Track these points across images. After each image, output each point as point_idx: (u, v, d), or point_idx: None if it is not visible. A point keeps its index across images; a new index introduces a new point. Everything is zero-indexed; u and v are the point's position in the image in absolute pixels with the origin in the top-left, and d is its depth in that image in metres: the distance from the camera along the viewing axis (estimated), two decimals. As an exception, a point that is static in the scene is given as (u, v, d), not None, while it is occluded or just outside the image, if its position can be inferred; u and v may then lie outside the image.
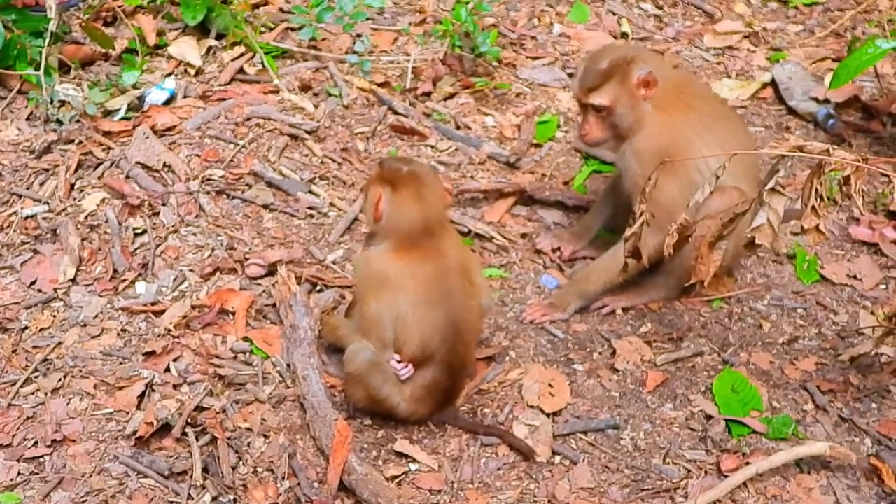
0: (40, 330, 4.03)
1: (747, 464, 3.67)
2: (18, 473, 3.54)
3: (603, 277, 4.20)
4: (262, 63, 5.36)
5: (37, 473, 3.55)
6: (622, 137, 4.14)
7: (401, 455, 3.71)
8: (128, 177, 4.64)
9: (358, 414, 3.81)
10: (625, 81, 4.06)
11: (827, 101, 5.43)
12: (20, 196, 4.57)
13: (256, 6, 5.78)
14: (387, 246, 3.65)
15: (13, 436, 3.65)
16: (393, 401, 3.71)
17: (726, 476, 3.64)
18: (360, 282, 3.75)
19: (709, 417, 3.87)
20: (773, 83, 5.65)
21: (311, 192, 4.67)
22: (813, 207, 3.40)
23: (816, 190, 3.39)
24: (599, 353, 4.12)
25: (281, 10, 5.82)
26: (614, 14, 6.12)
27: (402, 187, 3.62)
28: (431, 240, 3.64)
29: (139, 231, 4.42)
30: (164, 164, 4.69)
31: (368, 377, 3.68)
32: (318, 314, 4.06)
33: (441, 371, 3.68)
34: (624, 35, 5.95)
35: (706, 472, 3.69)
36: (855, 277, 4.51)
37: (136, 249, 4.36)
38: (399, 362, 3.67)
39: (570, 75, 5.46)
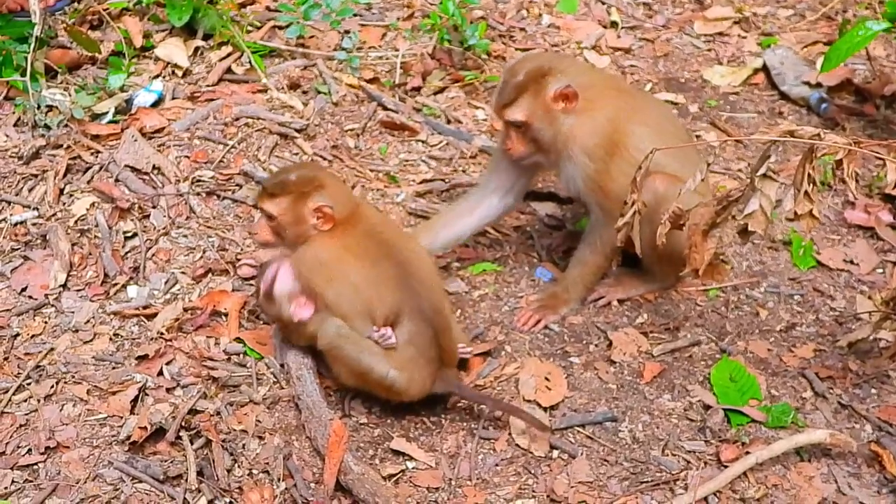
0: (32, 336, 4.01)
1: (747, 453, 3.64)
2: (12, 481, 3.51)
3: (589, 271, 4.18)
4: (250, 62, 5.33)
5: (31, 481, 3.52)
6: (546, 150, 4.05)
7: (397, 453, 3.68)
8: (117, 180, 4.61)
9: (353, 412, 3.79)
10: (539, 95, 3.96)
11: (819, 84, 5.41)
12: (9, 202, 4.54)
13: (243, 5, 5.76)
14: (314, 239, 3.74)
15: (6, 444, 3.61)
16: (381, 371, 3.65)
17: (726, 466, 3.62)
18: (309, 280, 3.74)
19: (707, 407, 3.85)
20: (764, 68, 5.63)
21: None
22: (806, 192, 3.38)
23: (809, 175, 3.37)
24: (596, 346, 4.09)
25: (268, 8, 5.79)
26: (603, 3, 6.10)
27: (326, 185, 3.78)
28: (353, 219, 3.78)
29: (130, 234, 4.39)
30: (154, 167, 4.66)
31: (342, 348, 3.67)
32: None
33: (416, 321, 3.66)
34: (613, 24, 5.92)
35: (706, 463, 3.66)
36: (851, 262, 4.49)
37: (126, 253, 4.33)
38: (377, 331, 3.66)
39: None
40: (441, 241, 4.27)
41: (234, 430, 3.67)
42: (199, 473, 3.52)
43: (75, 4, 5.59)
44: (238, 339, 4.00)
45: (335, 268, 3.70)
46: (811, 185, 3.36)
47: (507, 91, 3.98)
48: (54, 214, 4.47)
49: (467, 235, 4.34)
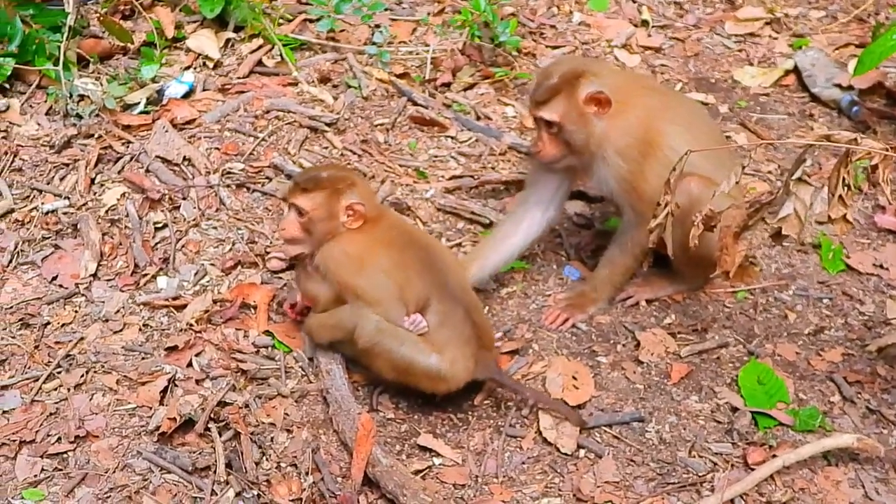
0: (62, 325, 4.03)
1: (774, 456, 3.63)
2: (42, 470, 3.54)
3: (619, 272, 4.17)
4: (281, 55, 5.34)
5: (60, 469, 3.55)
6: (578, 153, 4.04)
7: (424, 449, 3.69)
8: (148, 171, 4.63)
9: (380, 407, 3.79)
10: (572, 97, 3.95)
11: (850, 87, 5.38)
12: (41, 191, 4.57)
13: (274, -3, 5.77)
14: (341, 235, 3.78)
15: (36, 432, 3.64)
16: (423, 359, 3.66)
17: (753, 469, 3.61)
18: (336, 274, 3.75)
19: (735, 410, 3.84)
20: (795, 70, 5.60)
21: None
22: (840, 197, 3.36)
23: (843, 179, 3.35)
24: (623, 346, 4.09)
25: (299, 1, 5.80)
26: (634, 1, 6.08)
27: (358, 183, 3.84)
28: (376, 217, 3.85)
29: (160, 225, 4.41)
30: (184, 158, 4.68)
31: (383, 343, 3.67)
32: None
33: (445, 301, 3.69)
34: (644, 23, 5.91)
35: (732, 465, 3.65)
36: (881, 266, 4.46)
37: (156, 244, 4.35)
38: (408, 320, 3.69)
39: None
40: (491, 266, 4.23)
41: (263, 422, 3.69)
42: (228, 465, 3.53)
43: (108, -6, 5.62)
44: (267, 332, 4.01)
45: (364, 258, 3.72)
46: (846, 189, 3.34)
47: (541, 91, 3.98)
48: (85, 204, 4.49)
49: (516, 256, 4.29)
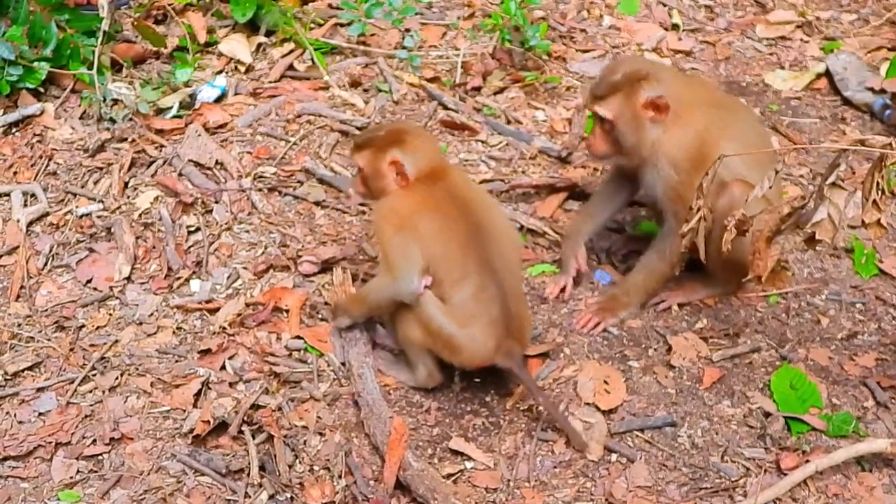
0: (97, 328, 4.06)
1: (807, 462, 3.63)
2: (78, 471, 3.58)
3: (653, 278, 4.16)
4: (312, 59, 5.36)
5: (96, 471, 3.58)
6: (628, 154, 4.04)
7: (456, 453, 3.69)
8: (180, 175, 4.66)
9: (412, 410, 3.80)
10: (630, 99, 3.94)
11: (883, 91, 5.36)
12: (75, 195, 4.60)
13: (305, 2, 5.79)
14: (393, 192, 3.82)
15: (72, 434, 3.68)
16: (445, 327, 3.69)
17: (786, 474, 3.60)
18: (379, 227, 3.82)
19: (767, 415, 3.83)
20: (827, 73, 5.58)
21: (363, 189, 4.66)
22: (874, 201, 3.35)
23: (878, 184, 3.34)
24: (655, 350, 4.08)
25: (330, 5, 5.82)
26: (665, 5, 6.06)
27: (407, 142, 3.83)
28: (435, 175, 3.82)
29: (193, 229, 4.44)
30: (217, 162, 4.70)
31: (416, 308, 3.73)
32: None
33: (482, 276, 3.67)
34: (675, 27, 5.90)
35: (765, 471, 3.65)
36: (914, 271, 4.45)
37: (189, 247, 4.37)
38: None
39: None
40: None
41: (296, 425, 3.71)
42: (261, 468, 3.56)
43: (140, -1, 5.66)
44: (298, 336, 4.03)
45: (406, 218, 3.72)
46: (880, 193, 3.33)
47: (602, 86, 3.98)
48: (119, 207, 4.52)
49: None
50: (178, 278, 4.24)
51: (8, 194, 4.59)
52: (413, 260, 3.68)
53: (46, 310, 4.13)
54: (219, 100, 5.11)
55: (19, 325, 4.07)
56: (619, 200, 4.40)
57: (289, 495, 3.50)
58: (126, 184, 4.65)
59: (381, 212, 3.81)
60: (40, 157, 4.76)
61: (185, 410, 3.75)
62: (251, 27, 5.53)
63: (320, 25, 5.64)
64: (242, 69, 5.33)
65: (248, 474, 3.54)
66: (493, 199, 4.25)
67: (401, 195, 3.79)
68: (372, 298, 3.85)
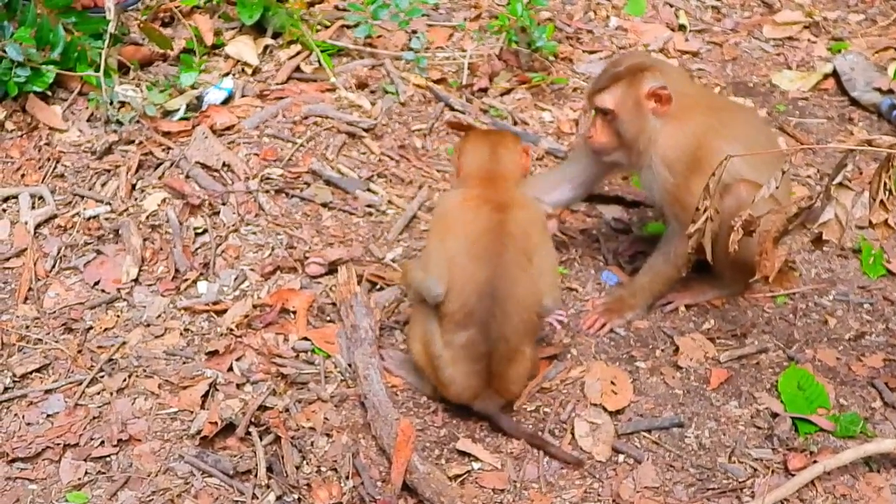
0: (104, 330, 4.07)
1: (815, 462, 3.62)
2: (86, 473, 3.58)
3: (660, 281, 4.16)
4: (319, 61, 5.36)
5: (103, 473, 3.58)
6: (628, 148, 4.03)
7: (463, 454, 3.69)
8: (188, 177, 4.66)
9: (419, 411, 3.80)
10: (633, 88, 3.94)
11: (891, 91, 5.36)
12: (82, 197, 4.61)
13: (312, 4, 5.79)
14: (460, 191, 3.82)
15: (80, 435, 3.68)
16: (436, 349, 3.69)
17: (793, 475, 3.60)
18: (433, 217, 3.97)
19: (775, 415, 3.83)
20: (834, 74, 5.58)
21: (369, 189, 4.67)
22: (881, 202, 3.34)
23: (885, 184, 3.33)
24: (662, 351, 4.08)
25: (336, 7, 5.82)
26: (671, 6, 6.06)
27: (474, 139, 3.94)
28: (498, 195, 3.72)
29: (200, 231, 4.44)
30: (224, 164, 4.71)
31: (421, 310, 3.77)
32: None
33: (477, 331, 3.63)
34: (681, 27, 5.90)
35: (773, 471, 3.65)
36: (922, 271, 4.44)
37: (197, 249, 4.38)
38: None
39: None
40: None
41: (303, 427, 3.71)
42: (269, 469, 3.56)
43: (147, 1, 5.65)
44: (305, 338, 4.03)
45: (448, 226, 3.74)
46: (887, 194, 3.32)
47: (604, 78, 4.00)
48: (126, 209, 4.53)
49: None
50: (186, 280, 4.24)
51: (16, 197, 4.59)
52: (438, 274, 3.66)
53: (54, 312, 4.13)
54: (226, 102, 5.11)
55: (27, 328, 4.07)
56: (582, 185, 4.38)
57: (296, 496, 3.50)
58: (133, 186, 4.65)
59: (438, 206, 3.98)
60: (48, 159, 4.77)
61: (192, 412, 3.75)
62: (258, 29, 5.54)
63: (327, 27, 5.64)
64: (249, 71, 5.33)
65: (256, 475, 3.54)
66: (547, 243, 3.91)
67: (455, 198, 3.79)
68: (409, 276, 3.82)
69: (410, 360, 3.88)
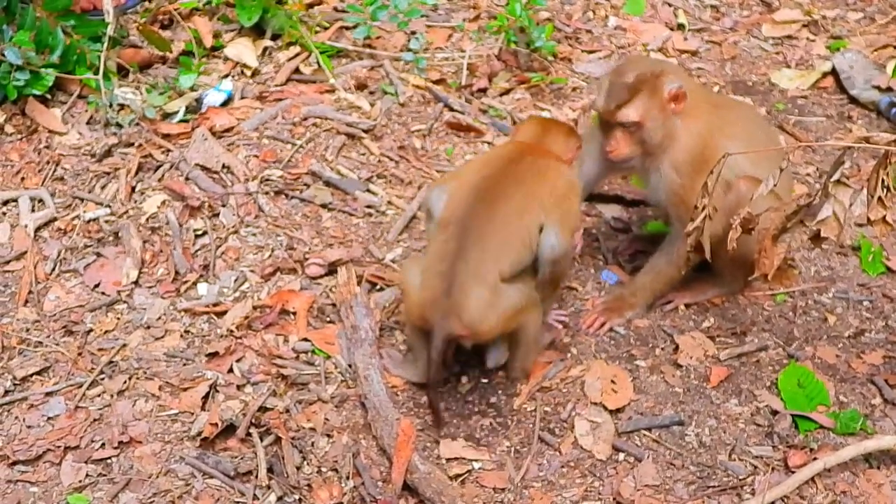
0: (105, 332, 4.07)
1: (815, 459, 3.62)
2: (87, 475, 3.58)
3: (661, 281, 4.16)
4: (318, 62, 5.37)
5: (105, 475, 3.59)
6: (649, 153, 4.01)
7: (464, 450, 3.70)
8: (187, 179, 4.67)
9: (419, 411, 3.80)
10: (655, 96, 3.91)
11: (889, 89, 5.36)
12: (82, 199, 4.61)
13: (311, 6, 5.79)
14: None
15: (81, 438, 3.68)
16: (407, 276, 3.76)
17: (794, 472, 3.61)
18: None
19: (775, 413, 3.83)
20: (833, 72, 5.58)
21: (368, 190, 4.68)
22: (879, 199, 3.35)
23: (882, 181, 3.33)
24: (662, 349, 4.09)
25: (335, 9, 5.82)
26: (670, 5, 6.06)
27: (535, 118, 4.31)
28: (538, 154, 3.87)
29: (200, 232, 4.45)
30: (223, 166, 4.71)
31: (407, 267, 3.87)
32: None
33: (453, 232, 3.64)
34: (680, 27, 5.90)
35: (773, 469, 3.65)
36: (922, 268, 4.44)
37: (197, 251, 4.38)
38: None
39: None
40: None
41: (304, 427, 3.71)
42: (269, 470, 3.56)
43: (146, 4, 5.66)
44: (305, 339, 4.03)
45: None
46: (885, 191, 3.33)
47: (620, 92, 3.92)
48: (126, 212, 4.53)
49: None
50: (186, 282, 4.25)
51: (16, 200, 4.60)
52: (454, 184, 3.79)
53: (55, 314, 4.14)
54: (225, 104, 5.12)
55: (28, 330, 4.08)
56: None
57: (297, 497, 3.50)
58: (133, 188, 4.66)
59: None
60: (47, 162, 4.77)
61: (193, 413, 3.75)
62: (257, 31, 5.54)
63: (326, 28, 5.65)
64: (248, 73, 5.34)
65: (257, 476, 3.55)
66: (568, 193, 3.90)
67: (500, 145, 4.09)
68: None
69: (410, 358, 3.88)
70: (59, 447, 3.65)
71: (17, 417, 3.76)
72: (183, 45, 5.42)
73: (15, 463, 3.61)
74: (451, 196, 3.73)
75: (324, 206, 4.57)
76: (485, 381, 3.93)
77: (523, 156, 3.84)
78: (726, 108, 4.15)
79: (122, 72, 5.22)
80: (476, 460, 3.67)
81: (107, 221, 4.50)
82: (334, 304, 4.14)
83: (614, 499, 3.56)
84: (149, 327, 4.08)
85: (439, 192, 3.79)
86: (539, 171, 3.80)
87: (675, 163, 3.95)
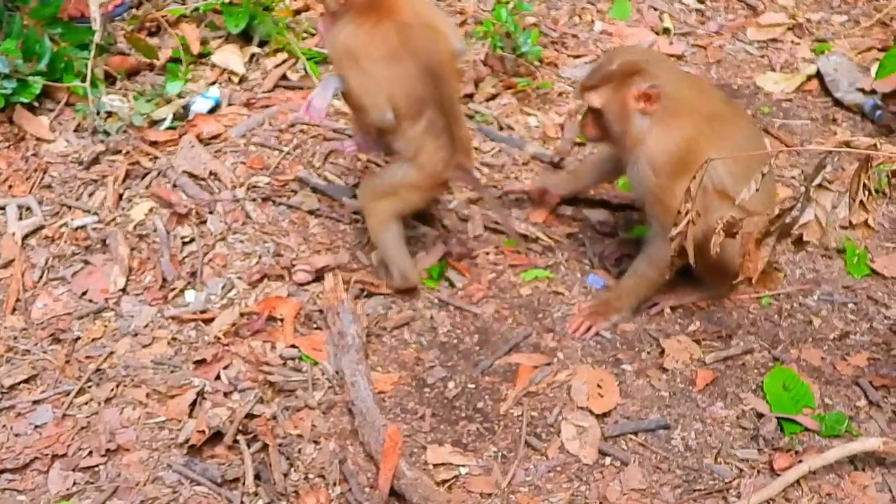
0: (92, 340, 4.08)
1: (800, 462, 3.64)
2: (74, 483, 3.59)
3: (644, 285, 4.19)
4: (305, 69, 5.38)
5: (92, 483, 3.60)
6: (617, 142, 4.07)
7: (451, 455, 3.71)
8: (175, 186, 4.68)
9: (406, 416, 3.81)
10: (622, 90, 3.93)
11: (874, 91, 5.37)
12: (70, 207, 4.62)
13: (298, 12, 5.80)
14: (347, 20, 3.97)
15: (68, 445, 3.69)
16: (399, 172, 4.15)
17: (779, 475, 3.63)
18: (335, 61, 4.08)
19: (760, 416, 3.85)
20: (818, 75, 5.60)
21: (355, 196, 4.67)
22: (861, 202, 3.36)
23: (864, 184, 3.35)
24: (648, 353, 4.10)
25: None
26: (656, 10, 6.08)
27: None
28: (385, 4, 3.97)
29: (187, 240, 4.45)
30: (210, 173, 4.72)
31: (374, 185, 4.25)
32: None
33: (432, 110, 3.97)
34: (666, 31, 5.92)
35: (759, 472, 3.67)
36: (906, 271, 4.46)
37: (184, 258, 4.39)
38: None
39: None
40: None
41: (291, 434, 3.72)
42: (256, 477, 3.58)
43: (134, 11, 5.67)
44: (293, 345, 4.04)
45: (359, 57, 3.93)
46: (867, 194, 3.34)
47: (596, 75, 4.00)
48: (114, 219, 4.54)
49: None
50: (173, 289, 4.26)
51: (3, 208, 4.60)
52: (378, 104, 3.95)
53: (42, 322, 4.15)
54: (212, 111, 5.12)
55: (15, 338, 4.08)
56: (604, 170, 4.56)
57: (284, 503, 3.52)
58: (121, 196, 4.66)
59: (334, 48, 4.03)
60: (35, 170, 4.78)
61: (180, 421, 3.76)
62: (244, 38, 5.55)
63: (313, 35, 5.65)
64: (236, 80, 5.35)
65: (244, 483, 3.56)
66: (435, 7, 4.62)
67: (348, 29, 3.95)
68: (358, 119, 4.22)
69: (396, 269, 4.20)
70: (46, 455, 3.66)
71: (4, 426, 3.76)
72: (170, 52, 5.43)
73: (2, 471, 3.62)
74: (397, 98, 3.94)
75: (311, 212, 4.58)
76: (471, 386, 3.95)
77: (405, 25, 3.97)
78: (721, 122, 4.09)
79: (110, 79, 5.23)
80: (463, 465, 3.69)
81: (94, 229, 4.50)
82: (321, 311, 4.15)
83: (601, 503, 3.58)
84: (136, 335, 4.08)
85: (379, 113, 3.97)
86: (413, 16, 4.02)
87: (652, 162, 3.95)
